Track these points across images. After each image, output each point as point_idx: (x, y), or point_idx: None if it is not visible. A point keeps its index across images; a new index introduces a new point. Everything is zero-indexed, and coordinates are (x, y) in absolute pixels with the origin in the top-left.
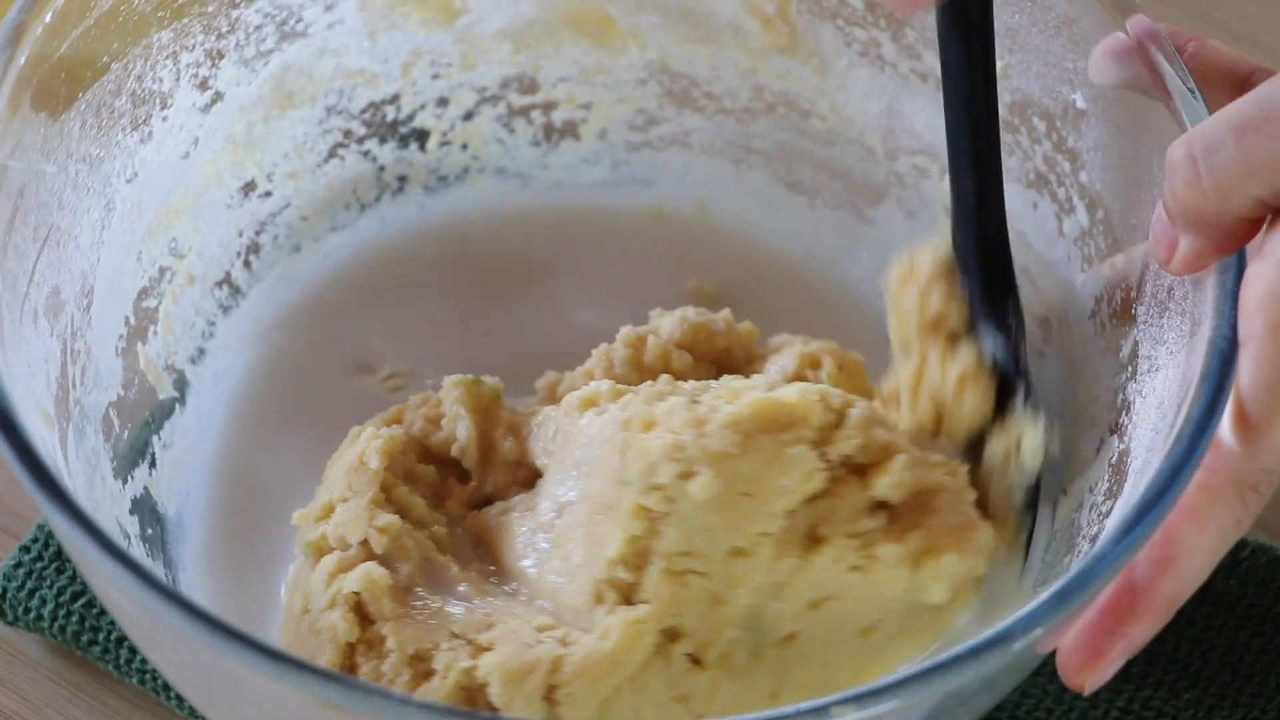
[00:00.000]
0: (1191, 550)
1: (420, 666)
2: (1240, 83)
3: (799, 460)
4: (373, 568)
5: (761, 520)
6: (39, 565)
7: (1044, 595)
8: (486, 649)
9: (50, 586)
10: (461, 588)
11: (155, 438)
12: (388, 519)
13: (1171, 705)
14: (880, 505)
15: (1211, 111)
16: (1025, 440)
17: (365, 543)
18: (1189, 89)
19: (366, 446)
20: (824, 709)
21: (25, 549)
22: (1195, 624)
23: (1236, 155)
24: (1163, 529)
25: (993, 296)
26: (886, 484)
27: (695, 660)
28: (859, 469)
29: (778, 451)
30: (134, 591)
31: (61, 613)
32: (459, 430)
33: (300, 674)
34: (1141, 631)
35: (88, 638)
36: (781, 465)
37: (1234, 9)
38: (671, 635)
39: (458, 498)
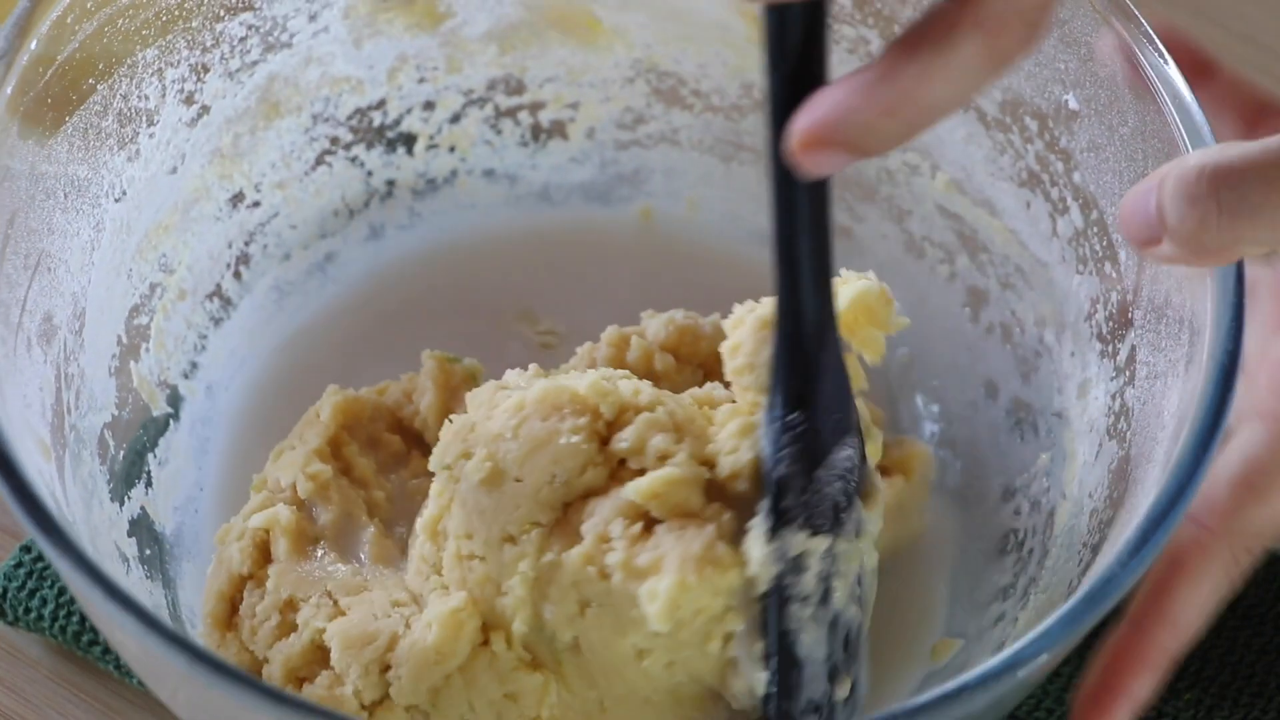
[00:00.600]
0: (1186, 606)
1: (289, 616)
2: (1251, 118)
3: (572, 451)
4: (281, 509)
5: (531, 507)
6: (39, 565)
7: (1054, 618)
8: (343, 613)
9: (50, 586)
10: (363, 552)
11: (151, 455)
12: (319, 467)
13: (1171, 705)
14: (649, 518)
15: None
16: (752, 549)
17: (294, 486)
18: (1184, 97)
19: (323, 401)
20: None
21: (26, 549)
22: None
23: (1265, 209)
24: (1159, 585)
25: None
26: (639, 490)
27: (522, 660)
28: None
29: (551, 439)
30: (140, 636)
31: (61, 613)
32: (422, 402)
33: (305, 716)
34: (1143, 687)
35: (88, 638)
36: (554, 453)
37: (1233, 8)
38: (491, 626)
39: (412, 469)
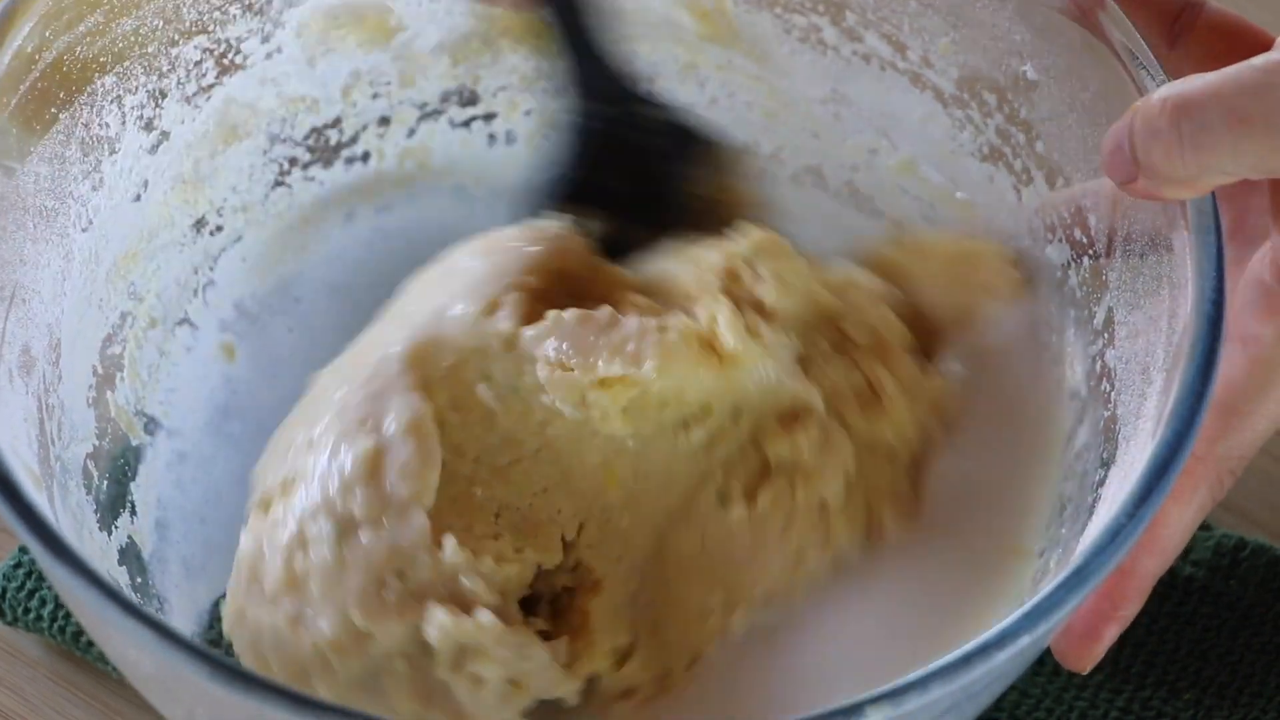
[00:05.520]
0: (1173, 531)
1: None
2: (1172, 15)
3: None
4: None
5: None
6: (39, 565)
7: (1065, 573)
8: None
9: (50, 587)
10: None
11: (133, 484)
12: None
13: (1171, 705)
14: None
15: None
16: None
17: None
18: (1132, 45)
19: None
20: (858, 707)
21: (25, 549)
22: (1195, 624)
23: (1226, 139)
24: None
25: None
26: None
27: None
28: None
29: None
30: (159, 650)
31: (61, 613)
32: None
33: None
34: (1131, 610)
35: (87, 638)
36: None
37: (1233, 9)
38: None
39: None
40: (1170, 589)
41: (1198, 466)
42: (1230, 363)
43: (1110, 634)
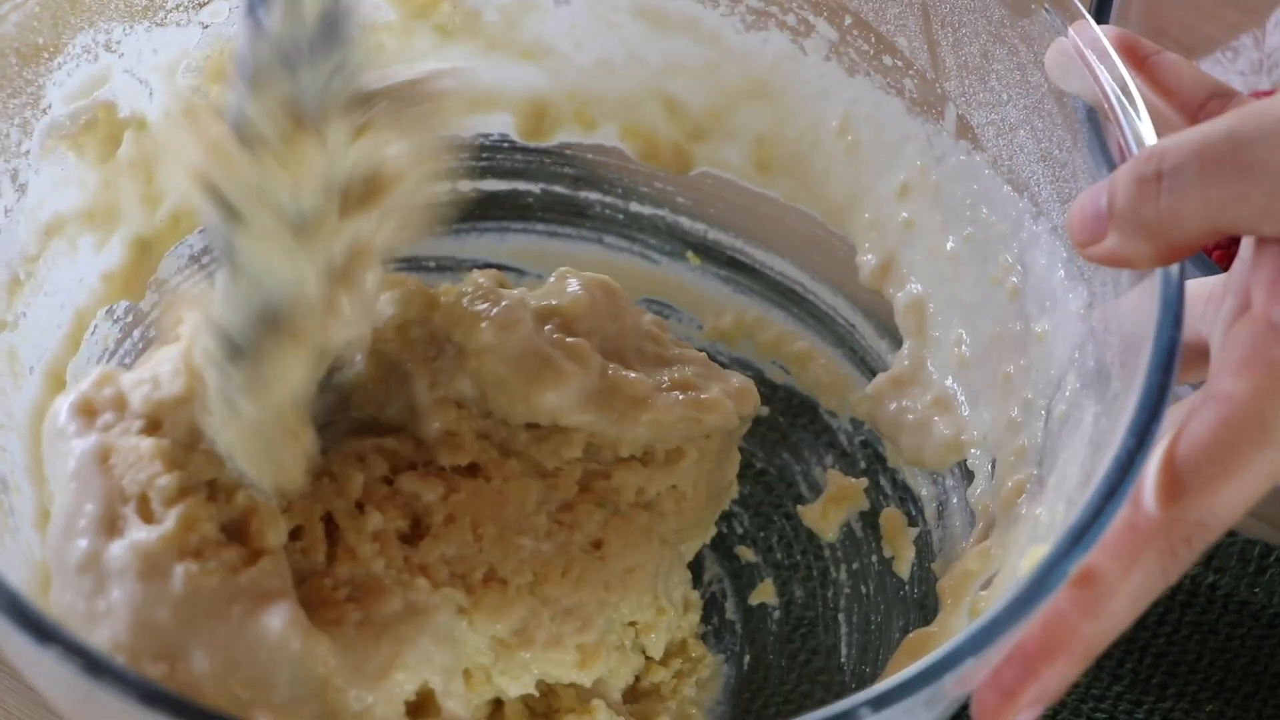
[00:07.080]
0: (1115, 594)
1: None
2: (1195, 109)
3: None
4: None
5: None
6: None
7: (983, 620)
8: None
9: None
10: None
11: None
12: None
13: (1193, 717)
14: None
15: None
16: None
17: None
18: (1131, 102)
19: None
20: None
21: None
22: (1218, 634)
23: (1197, 185)
24: (1087, 569)
25: None
26: None
27: None
28: None
29: None
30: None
31: None
32: None
33: None
34: (1058, 675)
35: None
36: None
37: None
38: None
39: None
40: (1192, 597)
41: (1146, 526)
42: (1200, 421)
43: (1029, 695)
